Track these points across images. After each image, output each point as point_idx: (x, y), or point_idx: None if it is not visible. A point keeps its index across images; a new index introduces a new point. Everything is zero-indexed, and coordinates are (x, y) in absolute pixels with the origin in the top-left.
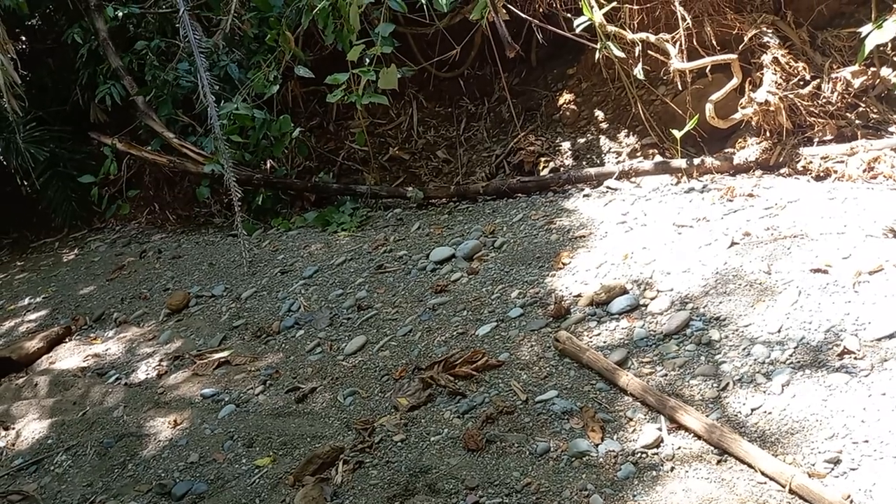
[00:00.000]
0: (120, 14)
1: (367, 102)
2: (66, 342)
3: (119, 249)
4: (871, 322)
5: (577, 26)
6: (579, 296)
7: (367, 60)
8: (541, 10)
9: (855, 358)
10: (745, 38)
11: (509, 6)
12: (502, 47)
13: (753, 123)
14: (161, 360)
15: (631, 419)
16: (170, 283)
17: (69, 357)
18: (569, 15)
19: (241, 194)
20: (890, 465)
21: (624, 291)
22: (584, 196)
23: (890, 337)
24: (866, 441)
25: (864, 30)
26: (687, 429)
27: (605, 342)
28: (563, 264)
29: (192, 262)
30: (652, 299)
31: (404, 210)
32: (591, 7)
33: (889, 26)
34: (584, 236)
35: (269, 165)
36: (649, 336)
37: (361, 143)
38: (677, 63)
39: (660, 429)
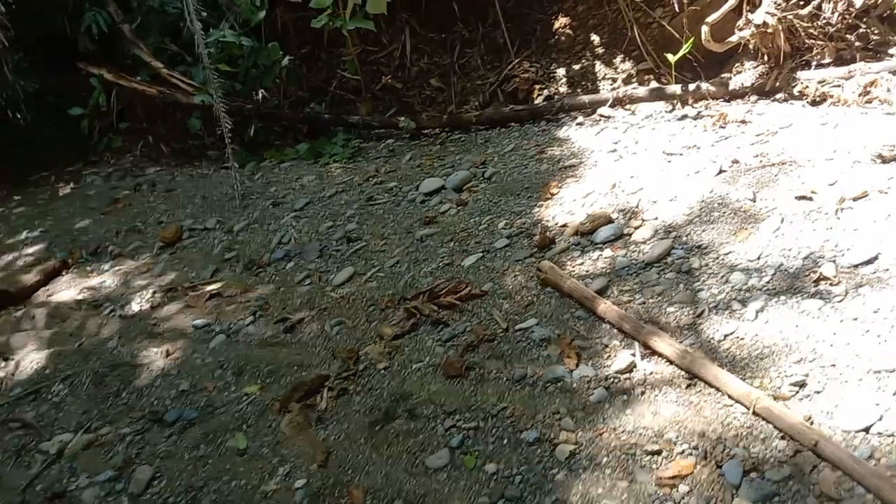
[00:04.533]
0: None
1: (353, 28)
2: (62, 275)
3: (114, 183)
4: (850, 248)
5: None
6: (565, 226)
7: None
8: None
9: (830, 284)
10: None
11: None
12: None
13: (751, 47)
14: (155, 293)
15: (607, 346)
16: (164, 217)
17: (66, 290)
18: None
19: (232, 126)
20: (853, 387)
21: (609, 221)
22: (578, 125)
23: (867, 263)
24: (833, 365)
25: None
26: (660, 354)
27: (587, 271)
28: (552, 194)
29: (185, 195)
30: (636, 228)
31: (397, 141)
32: None
33: None
34: (573, 166)
35: (260, 96)
36: (631, 265)
37: (353, 72)
38: None
39: (633, 355)
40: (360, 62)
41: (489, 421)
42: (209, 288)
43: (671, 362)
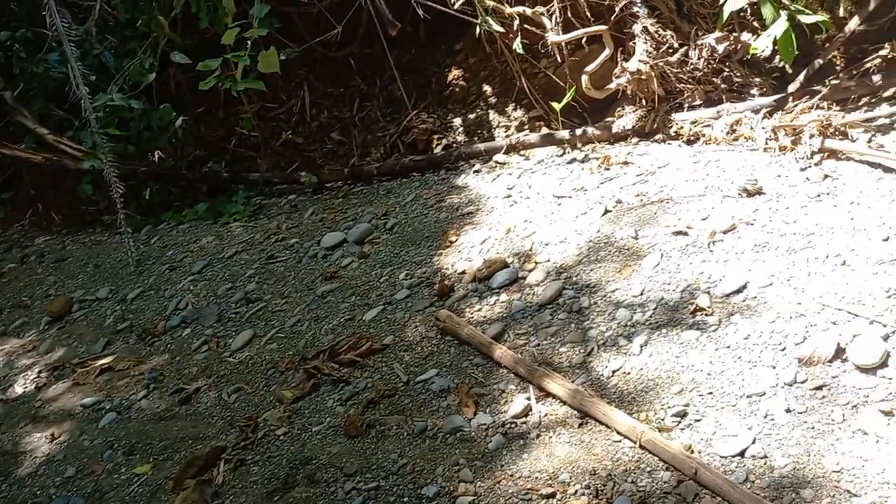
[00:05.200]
0: None
1: (242, 89)
2: None
3: None
4: (722, 279)
5: (455, 2)
6: (464, 273)
7: (248, 43)
8: None
9: (706, 314)
10: (617, 9)
11: None
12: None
13: (629, 92)
14: (41, 372)
15: (504, 391)
16: (52, 289)
17: None
18: None
19: (126, 189)
20: (728, 413)
21: (504, 265)
22: (475, 172)
23: (737, 292)
24: (710, 393)
25: None
26: (554, 396)
27: (485, 317)
28: (451, 242)
29: (76, 264)
30: (530, 271)
31: (299, 196)
32: None
33: None
34: (471, 213)
35: (155, 157)
36: (526, 307)
37: (250, 130)
38: (553, 36)
39: (528, 398)
40: (259, 118)
41: (390, 479)
42: (100, 363)
43: (564, 402)
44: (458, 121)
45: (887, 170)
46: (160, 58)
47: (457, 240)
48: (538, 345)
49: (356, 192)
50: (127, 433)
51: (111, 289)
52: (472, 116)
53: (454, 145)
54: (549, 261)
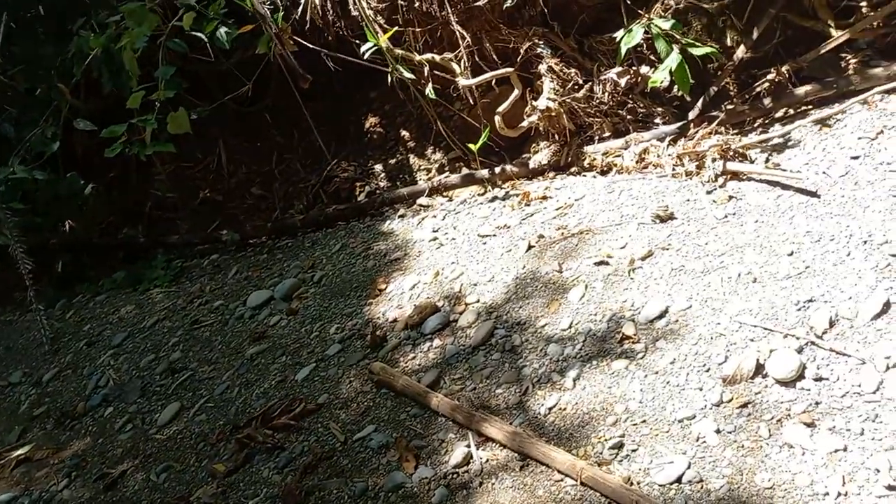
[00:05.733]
0: None
1: (151, 152)
2: None
3: None
4: (645, 305)
5: (365, 52)
6: (395, 321)
7: (156, 104)
8: (330, 38)
9: (633, 342)
10: (521, 51)
11: (297, 38)
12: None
13: (541, 129)
14: None
15: (443, 441)
16: None
17: None
18: (357, 41)
19: (33, 264)
20: (663, 440)
21: (435, 310)
22: (400, 216)
23: (660, 317)
24: (644, 421)
25: (618, 35)
26: (493, 440)
27: (419, 364)
28: (381, 290)
29: None
30: (461, 313)
31: (222, 255)
32: (376, 32)
33: (637, 31)
34: (399, 258)
35: (67, 227)
36: (459, 351)
37: (165, 192)
38: (463, 80)
39: (468, 445)
40: (174, 179)
41: None
42: (15, 454)
43: (504, 446)
44: (378, 167)
45: (785, 187)
46: (63, 125)
47: (386, 287)
48: (474, 388)
49: (281, 247)
50: None
51: (24, 371)
52: (392, 161)
53: (377, 191)
54: (478, 301)
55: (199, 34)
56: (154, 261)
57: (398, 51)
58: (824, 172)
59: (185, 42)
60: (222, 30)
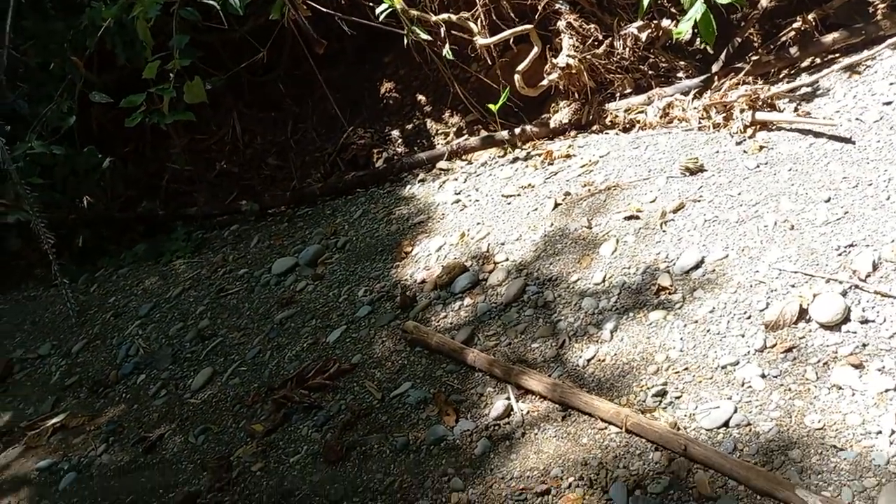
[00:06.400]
0: None
1: (171, 122)
2: None
3: None
4: (679, 256)
5: (380, 14)
6: (424, 282)
7: (171, 75)
8: (343, 2)
9: (669, 293)
10: (540, 8)
11: (310, 2)
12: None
13: (561, 87)
14: None
15: (482, 395)
16: None
17: None
18: (372, 3)
19: (55, 240)
20: (707, 386)
21: (464, 270)
22: (420, 181)
23: (696, 268)
24: (686, 369)
25: None
26: (533, 392)
27: (451, 323)
28: (406, 253)
29: (11, 323)
30: (490, 272)
31: (242, 225)
32: None
33: None
34: (422, 222)
35: (85, 202)
36: (491, 309)
37: (182, 165)
38: (481, 39)
39: (508, 398)
40: (190, 152)
41: (378, 500)
42: (51, 422)
43: (544, 398)
44: (395, 133)
45: (817, 135)
46: (79, 99)
47: (412, 250)
48: (509, 343)
49: (301, 216)
50: (91, 492)
51: (53, 344)
52: (409, 127)
53: (395, 157)
54: (507, 260)
55: (211, 2)
56: (174, 233)
57: (413, 12)
58: (857, 119)
59: (197, 10)
60: None
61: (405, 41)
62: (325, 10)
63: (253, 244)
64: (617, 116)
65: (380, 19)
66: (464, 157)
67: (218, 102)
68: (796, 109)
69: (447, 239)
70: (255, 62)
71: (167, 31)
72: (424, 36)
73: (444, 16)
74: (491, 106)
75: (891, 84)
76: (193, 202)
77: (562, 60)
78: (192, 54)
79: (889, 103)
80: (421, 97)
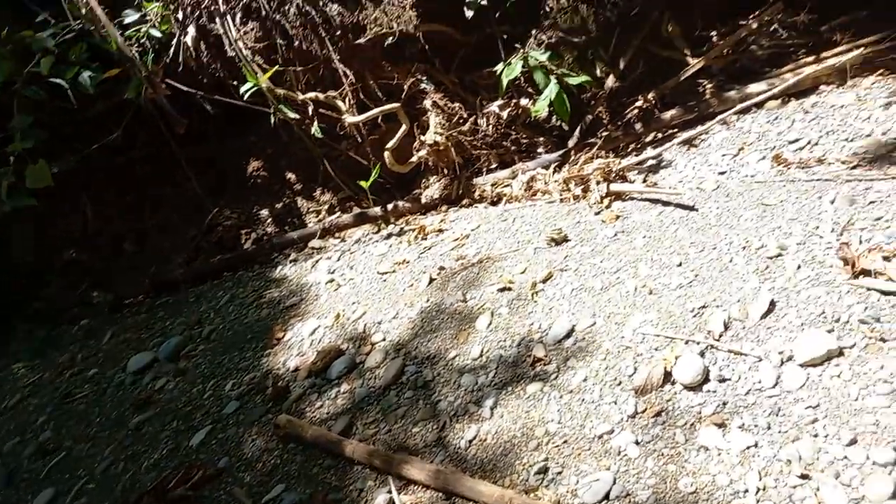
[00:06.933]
0: None
1: (9, 209)
2: None
3: None
4: (551, 326)
5: (244, 94)
6: (297, 370)
7: (11, 158)
8: (206, 80)
9: (544, 364)
10: (406, 87)
11: (169, 81)
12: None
13: (430, 163)
14: None
15: (362, 490)
16: None
17: None
18: (236, 82)
19: None
20: (585, 458)
21: (340, 353)
22: (292, 262)
23: (567, 336)
24: (565, 441)
25: (498, 69)
26: (415, 482)
27: (328, 413)
28: (278, 339)
29: None
30: (367, 354)
31: (94, 319)
32: (255, 73)
33: (516, 63)
34: (295, 304)
35: None
36: (370, 394)
37: (23, 256)
38: (349, 118)
39: (390, 491)
40: (37, 239)
41: None
42: None
43: (427, 486)
44: (265, 212)
45: (665, 203)
46: None
47: (284, 335)
48: (389, 430)
49: (162, 305)
50: None
51: None
52: (279, 206)
53: (265, 238)
54: (385, 339)
55: (59, 80)
56: (13, 332)
57: (280, 91)
58: (698, 188)
59: (44, 89)
60: (85, 74)
61: (272, 120)
62: (185, 88)
63: (106, 340)
64: (485, 190)
65: (244, 98)
66: (337, 235)
67: (64, 186)
68: (645, 180)
69: (321, 321)
70: (109, 143)
71: (9, 111)
72: (292, 115)
73: (312, 94)
74: (362, 183)
75: (723, 155)
76: (38, 295)
77: (430, 138)
78: (36, 136)
79: (723, 173)
80: (291, 175)
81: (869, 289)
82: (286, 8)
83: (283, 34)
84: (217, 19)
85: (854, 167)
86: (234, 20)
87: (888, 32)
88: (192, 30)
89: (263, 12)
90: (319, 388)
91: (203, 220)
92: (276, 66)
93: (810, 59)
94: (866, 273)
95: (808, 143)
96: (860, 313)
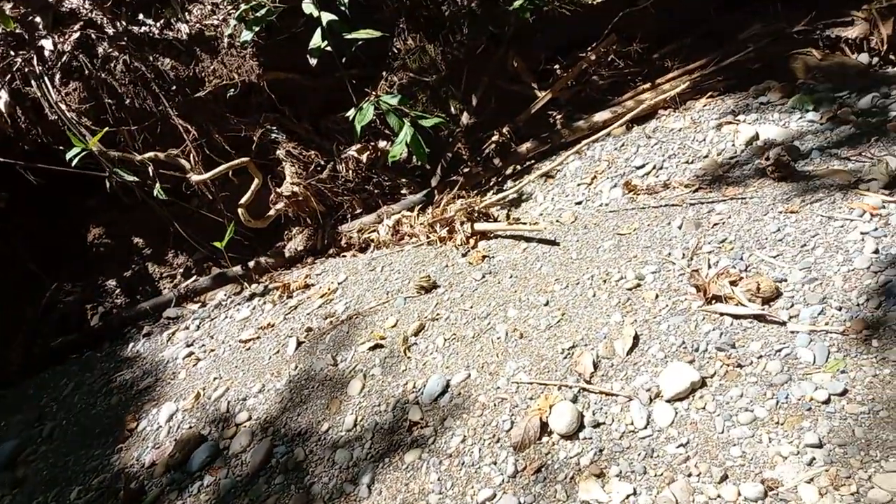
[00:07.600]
0: None
1: None
2: None
3: None
4: (426, 384)
5: (72, 159)
6: (153, 465)
7: None
8: (25, 147)
9: (421, 427)
10: (255, 138)
11: None
12: None
13: (290, 215)
14: None
15: None
16: None
17: None
18: (62, 147)
19: None
20: None
21: (201, 440)
22: (146, 336)
23: (442, 393)
24: None
25: (350, 114)
26: None
27: None
28: (130, 430)
29: None
30: (232, 438)
31: None
32: (83, 136)
33: (368, 108)
34: (150, 386)
35: None
36: (236, 484)
37: None
38: (195, 176)
39: None
40: None
41: None
42: None
43: None
44: (111, 283)
45: (528, 240)
46: None
47: (137, 425)
48: None
49: None
50: None
51: None
52: (127, 274)
53: (113, 311)
54: (251, 419)
55: None
56: None
57: (114, 153)
58: (558, 220)
59: None
60: None
61: (108, 184)
62: (3, 159)
63: None
64: (352, 237)
65: (73, 164)
66: (196, 300)
67: None
68: (508, 216)
69: (179, 404)
70: None
71: None
72: (130, 177)
73: (151, 154)
74: (217, 243)
75: (578, 185)
76: None
77: (286, 189)
78: None
79: (580, 203)
80: (138, 240)
81: (721, 314)
82: (111, 65)
83: (112, 93)
84: (33, 81)
85: (696, 190)
86: (52, 81)
87: (712, 56)
88: (4, 94)
89: (86, 71)
90: (179, 483)
91: (41, 299)
92: (107, 128)
93: (647, 85)
94: (718, 299)
95: (654, 167)
96: (716, 340)
